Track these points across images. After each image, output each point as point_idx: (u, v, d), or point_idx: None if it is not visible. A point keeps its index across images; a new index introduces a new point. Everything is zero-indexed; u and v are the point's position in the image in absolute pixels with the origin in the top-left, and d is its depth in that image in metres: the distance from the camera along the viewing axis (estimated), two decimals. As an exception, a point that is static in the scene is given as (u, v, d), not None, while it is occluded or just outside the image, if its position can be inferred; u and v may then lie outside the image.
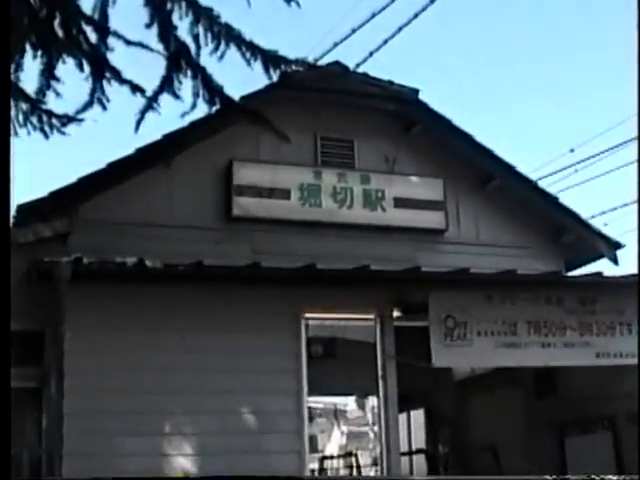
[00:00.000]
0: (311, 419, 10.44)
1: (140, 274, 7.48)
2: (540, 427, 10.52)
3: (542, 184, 11.83)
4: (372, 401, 10.07)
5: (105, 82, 6.50)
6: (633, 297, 8.06)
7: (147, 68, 6.70)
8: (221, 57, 6.43)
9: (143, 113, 6.53)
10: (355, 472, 13.76)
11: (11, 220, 7.57)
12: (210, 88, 6.51)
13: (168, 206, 9.35)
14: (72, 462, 6.92)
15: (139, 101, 6.50)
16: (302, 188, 9.82)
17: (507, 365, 8.85)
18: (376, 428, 8.87)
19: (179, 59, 6.45)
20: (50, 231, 8.41)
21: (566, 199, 11.24)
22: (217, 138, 9.45)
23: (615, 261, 10.78)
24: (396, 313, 8.66)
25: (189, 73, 6.48)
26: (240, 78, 7.18)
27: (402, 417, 10.71)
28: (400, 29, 11.07)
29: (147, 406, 7.57)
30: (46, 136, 6.71)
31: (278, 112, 8.00)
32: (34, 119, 6.63)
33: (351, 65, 10.59)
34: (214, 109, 6.68)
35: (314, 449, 14.34)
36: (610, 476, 6.04)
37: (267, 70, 6.56)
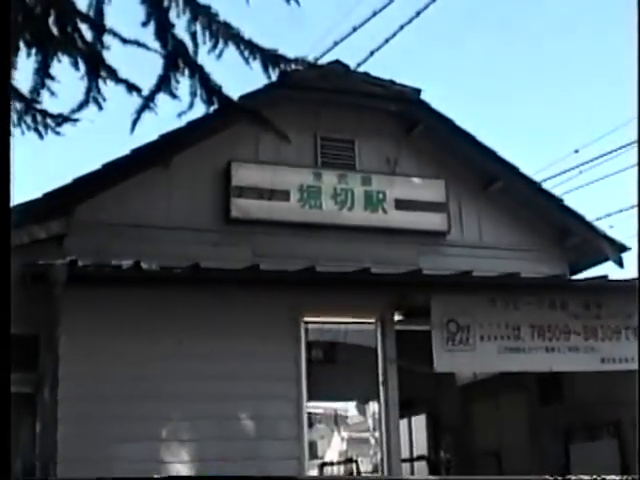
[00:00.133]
0: (311, 425, 10.30)
1: (136, 277, 7.39)
2: (544, 433, 10.40)
3: (546, 185, 11.76)
4: (373, 406, 9.93)
5: (101, 81, 6.47)
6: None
7: (144, 67, 6.62)
8: (219, 56, 6.38)
9: (139, 113, 6.48)
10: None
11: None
12: (208, 87, 6.44)
13: (166, 207, 9.24)
14: (66, 468, 6.82)
15: (135, 100, 6.43)
16: (302, 189, 9.71)
17: (510, 370, 8.74)
18: (377, 434, 8.75)
19: (176, 58, 6.38)
20: (45, 233, 8.33)
21: (571, 201, 11.12)
22: (215, 138, 9.36)
23: (620, 264, 10.66)
24: (397, 317, 8.58)
25: (187, 72, 6.42)
26: (239, 77, 7.10)
27: (403, 423, 10.62)
28: (402, 28, 11.02)
29: (143, 411, 7.45)
30: (41, 136, 6.68)
31: (278, 112, 7.95)
32: (28, 119, 6.58)
33: (352, 64, 10.57)
34: (212, 109, 6.62)
35: (314, 455, 14.18)
36: (610, 476, 5.95)
37: (266, 69, 6.50)
